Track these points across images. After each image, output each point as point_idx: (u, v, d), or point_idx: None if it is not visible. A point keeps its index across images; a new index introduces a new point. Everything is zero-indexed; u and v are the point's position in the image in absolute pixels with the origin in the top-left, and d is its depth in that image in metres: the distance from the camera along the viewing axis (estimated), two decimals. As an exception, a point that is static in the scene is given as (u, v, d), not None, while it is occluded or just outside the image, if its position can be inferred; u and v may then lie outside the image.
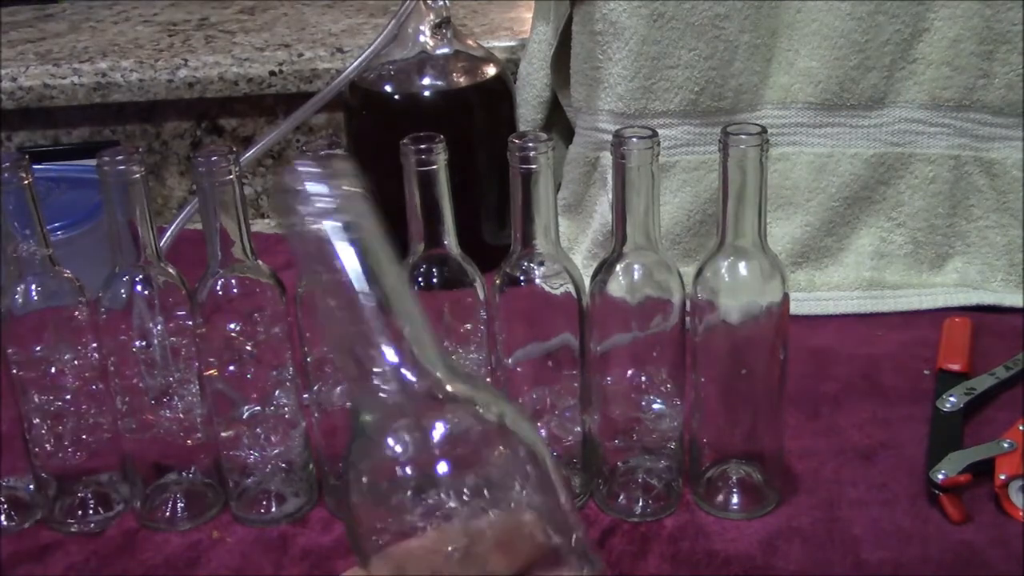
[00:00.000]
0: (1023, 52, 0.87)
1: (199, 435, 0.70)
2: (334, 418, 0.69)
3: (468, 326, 0.68)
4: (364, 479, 0.38)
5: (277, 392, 0.68)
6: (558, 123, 1.03)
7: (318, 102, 0.95)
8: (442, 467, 0.38)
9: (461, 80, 0.98)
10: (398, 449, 0.38)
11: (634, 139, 0.62)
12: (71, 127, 1.14)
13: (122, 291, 0.66)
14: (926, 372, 0.82)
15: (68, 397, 0.69)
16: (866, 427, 0.77)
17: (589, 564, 0.39)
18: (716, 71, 0.89)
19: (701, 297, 0.66)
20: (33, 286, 0.66)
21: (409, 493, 0.38)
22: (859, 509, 0.69)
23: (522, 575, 0.38)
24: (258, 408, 0.68)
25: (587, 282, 0.66)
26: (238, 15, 1.28)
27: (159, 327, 0.67)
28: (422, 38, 0.96)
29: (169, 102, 1.12)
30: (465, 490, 0.38)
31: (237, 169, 0.63)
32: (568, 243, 0.96)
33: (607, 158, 0.64)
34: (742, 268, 0.65)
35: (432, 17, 0.96)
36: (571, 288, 0.65)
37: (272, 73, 1.11)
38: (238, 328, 0.66)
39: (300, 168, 0.38)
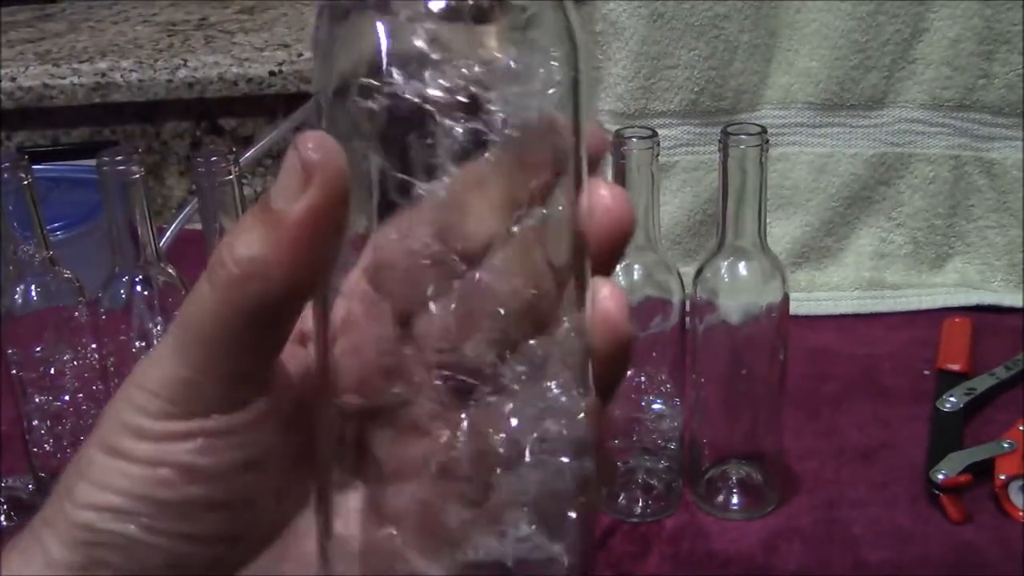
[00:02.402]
0: (1023, 52, 0.87)
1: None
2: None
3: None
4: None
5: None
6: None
7: (318, 102, 0.94)
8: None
9: (461, 80, 0.98)
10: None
11: (634, 139, 0.62)
12: (71, 127, 1.14)
13: (122, 291, 0.66)
14: (926, 372, 0.82)
15: (68, 397, 0.69)
16: (866, 427, 0.77)
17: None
18: (716, 71, 0.88)
19: (701, 297, 0.66)
20: (33, 286, 0.66)
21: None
22: (859, 509, 0.69)
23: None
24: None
25: (587, 282, 0.66)
26: (238, 15, 1.28)
27: (159, 327, 0.67)
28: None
29: (169, 102, 1.12)
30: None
31: (237, 169, 0.63)
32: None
33: (607, 158, 0.64)
34: (742, 268, 0.65)
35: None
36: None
37: (272, 73, 1.10)
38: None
39: None
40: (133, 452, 0.30)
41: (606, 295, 0.31)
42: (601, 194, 0.32)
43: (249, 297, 0.29)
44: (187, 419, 0.30)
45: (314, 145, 0.29)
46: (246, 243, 0.29)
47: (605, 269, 0.32)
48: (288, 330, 0.31)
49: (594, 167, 0.32)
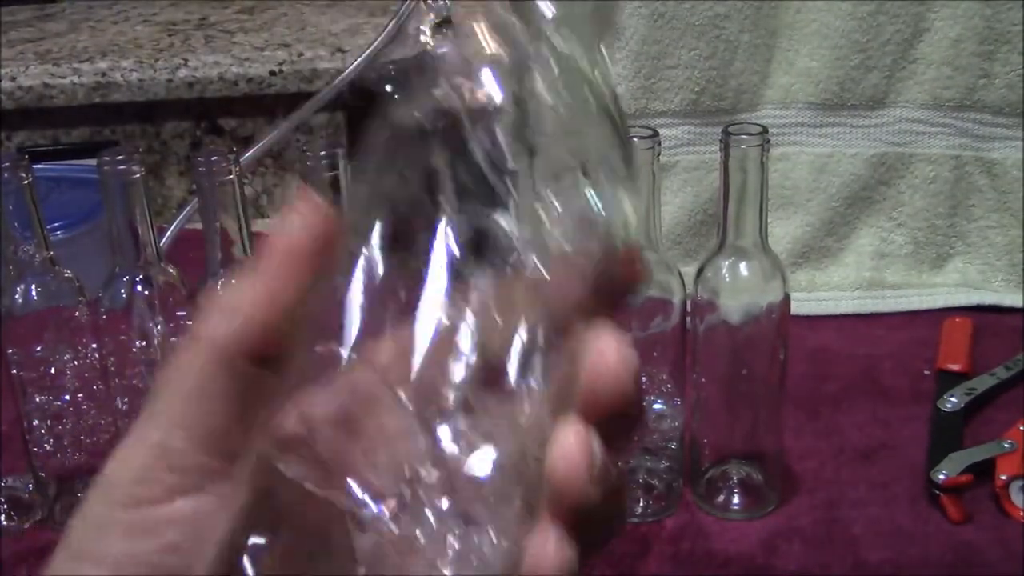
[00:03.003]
0: (1023, 52, 0.87)
1: (199, 435, 0.70)
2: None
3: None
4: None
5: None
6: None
7: (318, 102, 0.94)
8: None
9: (461, 80, 0.97)
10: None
11: (635, 139, 0.62)
12: (71, 127, 1.14)
13: (122, 291, 0.66)
14: (926, 372, 0.82)
15: (68, 397, 0.69)
16: (866, 427, 0.77)
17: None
18: (716, 71, 0.88)
19: (702, 297, 0.66)
20: (33, 286, 0.66)
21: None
22: (859, 509, 0.69)
23: None
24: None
25: (587, 282, 0.66)
26: (238, 15, 1.28)
27: (159, 327, 0.67)
28: (423, 38, 0.96)
29: (169, 102, 1.12)
30: None
31: (237, 169, 0.63)
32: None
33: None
34: (743, 268, 0.65)
35: (432, 17, 0.95)
36: (571, 288, 0.65)
37: (272, 73, 1.11)
38: (238, 328, 0.66)
39: None
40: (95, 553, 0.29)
41: (567, 447, 0.29)
42: (605, 345, 0.30)
43: (226, 341, 0.29)
44: (169, 500, 0.28)
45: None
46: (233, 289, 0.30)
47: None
48: (268, 385, 0.29)
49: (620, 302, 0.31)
